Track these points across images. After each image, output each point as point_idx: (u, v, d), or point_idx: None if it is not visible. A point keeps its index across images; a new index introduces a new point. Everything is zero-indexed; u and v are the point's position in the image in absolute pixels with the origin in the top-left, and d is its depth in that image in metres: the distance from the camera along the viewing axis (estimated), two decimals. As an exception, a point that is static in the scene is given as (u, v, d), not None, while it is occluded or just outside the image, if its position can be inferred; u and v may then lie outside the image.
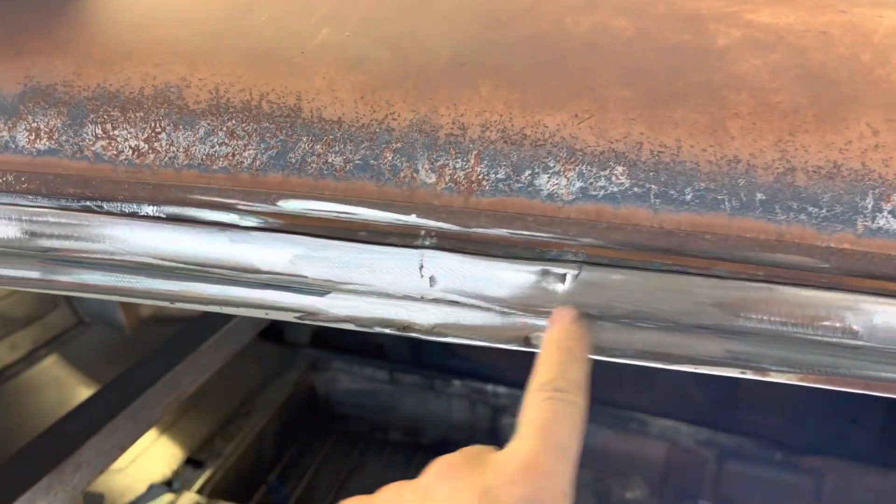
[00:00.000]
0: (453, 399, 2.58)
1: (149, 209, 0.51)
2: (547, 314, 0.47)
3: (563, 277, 0.46)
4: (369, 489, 2.07)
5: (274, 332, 2.65)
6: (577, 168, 0.47)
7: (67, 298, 2.39)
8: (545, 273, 0.46)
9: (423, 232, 0.48)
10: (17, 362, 2.14)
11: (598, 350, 0.48)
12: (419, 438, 2.59)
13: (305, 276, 0.49)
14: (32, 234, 0.52)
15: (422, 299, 0.48)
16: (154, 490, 1.93)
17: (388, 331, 0.50)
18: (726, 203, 0.45)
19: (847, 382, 0.46)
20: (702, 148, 0.46)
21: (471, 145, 0.48)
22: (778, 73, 0.49)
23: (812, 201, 0.44)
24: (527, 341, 0.48)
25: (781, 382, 0.46)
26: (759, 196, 0.45)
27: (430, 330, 0.49)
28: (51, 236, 0.51)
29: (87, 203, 0.51)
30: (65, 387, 2.08)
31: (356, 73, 0.51)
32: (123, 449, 1.15)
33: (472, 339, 0.49)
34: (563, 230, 0.46)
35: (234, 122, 0.50)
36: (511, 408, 2.54)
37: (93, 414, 1.08)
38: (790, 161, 0.45)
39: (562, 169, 0.47)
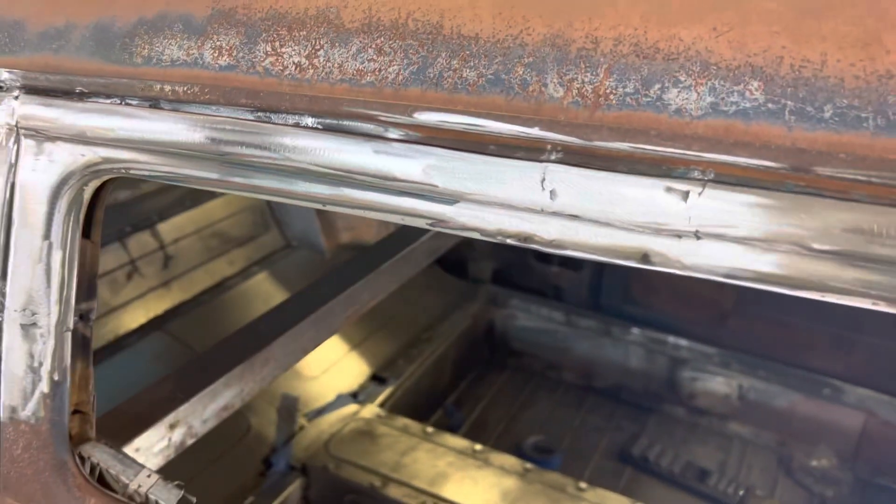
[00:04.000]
0: (630, 346, 2.55)
1: (308, 120, 0.56)
2: (667, 232, 0.47)
3: (686, 195, 0.46)
4: (540, 425, 2.18)
5: (457, 266, 2.76)
6: (709, 82, 0.45)
7: (278, 223, 2.65)
8: (668, 190, 0.46)
9: (548, 146, 0.49)
10: (233, 276, 2.43)
11: (716, 272, 0.47)
12: (592, 382, 2.60)
13: (436, 185, 0.52)
14: (213, 140, 0.59)
15: (542, 212, 0.50)
16: (341, 399, 2.12)
17: (509, 241, 0.52)
18: (870, 121, 0.42)
19: None
20: (850, 62, 0.43)
21: (602, 59, 0.48)
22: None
23: (975, 121, 0.40)
24: (645, 258, 0.48)
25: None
26: (912, 114, 0.41)
27: (550, 243, 0.51)
28: (228, 142, 0.59)
29: (258, 114, 0.58)
30: (272, 300, 2.33)
31: (496, -9, 0.52)
32: (306, 351, 1.28)
33: (589, 253, 0.50)
34: (689, 146, 0.45)
35: (382, 39, 0.54)
36: (692, 361, 2.46)
37: (282, 318, 1.22)
38: (954, 76, 0.41)
39: (693, 83, 0.45)
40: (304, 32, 0.57)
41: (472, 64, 0.51)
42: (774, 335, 2.37)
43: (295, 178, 0.58)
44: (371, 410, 2.09)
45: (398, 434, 1.99)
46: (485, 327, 2.70)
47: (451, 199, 0.53)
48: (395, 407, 2.19)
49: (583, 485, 1.83)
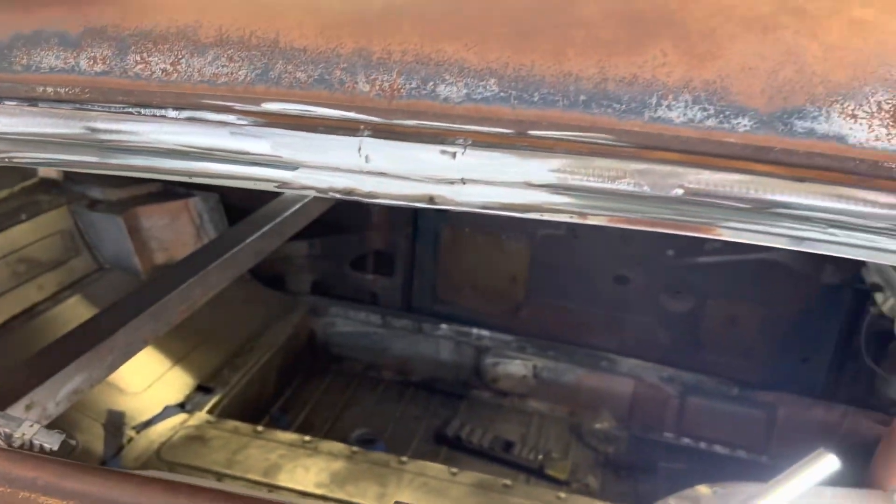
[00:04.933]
0: (440, 341, 2.82)
1: (175, 112, 0.73)
2: (444, 181, 0.70)
3: (454, 155, 0.68)
4: (363, 420, 2.43)
5: (277, 280, 2.89)
6: (464, 80, 0.69)
7: (89, 246, 2.63)
8: (443, 152, 0.69)
9: (361, 126, 0.70)
10: (43, 301, 2.39)
11: (476, 204, 0.70)
12: (409, 376, 2.84)
13: (281, 157, 0.71)
14: (93, 130, 0.74)
15: (360, 172, 0.71)
16: (168, 410, 2.18)
17: (338, 196, 0.72)
18: (560, 102, 0.67)
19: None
20: (547, 66, 0.68)
21: (394, 65, 0.70)
22: (609, 16, 0.71)
23: (616, 99, 0.66)
24: (431, 200, 0.71)
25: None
26: (582, 97, 0.67)
27: (367, 194, 0.71)
28: (105, 131, 0.74)
29: (132, 108, 0.73)
30: (88, 322, 2.33)
31: (317, 17, 0.73)
32: (146, 342, 1.38)
33: (395, 200, 0.71)
34: (454, 121, 0.68)
35: (232, 50, 0.73)
36: (493, 349, 2.77)
37: (123, 312, 1.31)
38: (605, 74, 0.67)
39: (454, 80, 0.69)
40: (168, 45, 0.74)
41: (302, 68, 0.71)
42: (560, 320, 2.75)
43: (164, 157, 0.74)
44: (200, 417, 2.17)
45: (229, 435, 2.09)
46: (306, 336, 2.84)
47: (292, 166, 0.72)
48: (223, 414, 2.28)
49: (404, 459, 2.04)
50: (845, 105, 0.64)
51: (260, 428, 2.14)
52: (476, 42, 0.70)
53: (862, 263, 2.29)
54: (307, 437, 2.10)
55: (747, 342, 2.61)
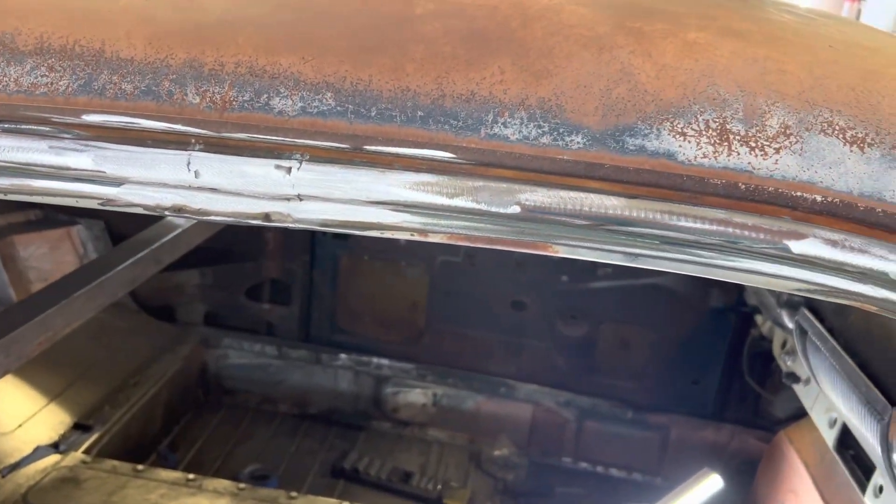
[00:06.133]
0: (339, 371, 2.76)
1: (-13, 124, 0.68)
2: (279, 197, 0.67)
3: (289, 170, 0.66)
4: (256, 456, 2.35)
5: (166, 311, 2.77)
6: (300, 93, 0.67)
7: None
8: (277, 167, 0.66)
9: (192, 139, 0.67)
10: None
11: (314, 222, 0.68)
12: (306, 409, 2.76)
13: (104, 172, 0.67)
14: None
15: (190, 188, 0.67)
16: (40, 451, 2.03)
17: (166, 214, 0.68)
18: (398, 118, 0.66)
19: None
20: (385, 81, 0.67)
21: (226, 76, 0.67)
22: (450, 33, 0.70)
23: (454, 116, 0.65)
24: (267, 217, 0.68)
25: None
26: (420, 113, 0.66)
27: (198, 211, 0.68)
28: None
29: (-61, 119, 0.68)
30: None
31: (147, 26, 0.69)
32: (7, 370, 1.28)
33: (228, 217, 0.68)
34: (288, 135, 0.66)
35: (53, 59, 0.68)
36: (393, 378, 2.73)
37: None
38: (443, 90, 0.66)
39: (289, 93, 0.66)
40: (-18, 53, 0.68)
41: (129, 79, 0.67)
42: (460, 347, 2.74)
43: (-24, 172, 0.68)
44: (75, 458, 2.03)
45: (106, 476, 1.96)
46: (198, 369, 2.73)
47: (117, 182, 0.67)
48: (103, 454, 2.15)
49: (294, 494, 1.97)
50: (675, 123, 0.65)
51: (140, 467, 2.02)
52: (313, 55, 0.68)
53: (743, 287, 2.39)
54: (191, 476, 2.00)
55: (640, 365, 2.67)
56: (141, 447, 2.39)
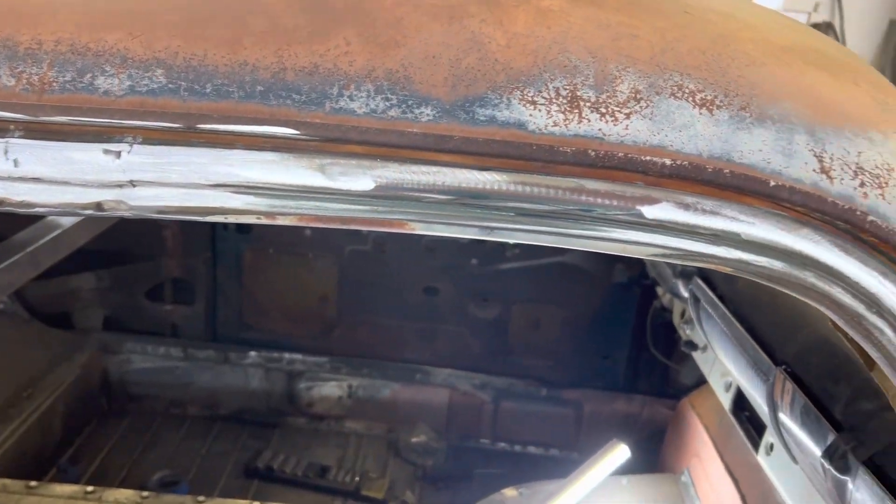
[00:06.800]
0: (249, 370, 2.68)
1: None
2: (111, 184, 0.62)
3: (119, 154, 0.61)
4: (166, 462, 2.23)
5: (61, 317, 2.63)
6: (127, 71, 0.62)
7: None
8: (106, 152, 0.61)
9: (10, 126, 0.61)
10: None
11: (152, 210, 0.63)
12: (217, 410, 2.67)
13: None
14: None
15: (9, 178, 0.62)
16: (-79, 476, 1.90)
17: (-14, 207, 0.63)
18: (235, 93, 0.62)
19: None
20: (221, 55, 0.63)
21: (45, 56, 0.62)
22: (293, 4, 0.67)
23: (296, 90, 0.62)
24: (99, 207, 0.63)
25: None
26: (259, 88, 0.62)
27: (20, 203, 0.62)
28: None
29: None
30: None
31: (-48, 3, 0.63)
32: None
33: (54, 209, 0.63)
34: (116, 117, 0.61)
35: None
36: (307, 373, 2.68)
37: None
38: (284, 63, 0.63)
39: (115, 72, 0.62)
40: None
41: (-68, 61, 0.61)
42: (374, 336, 2.71)
43: None
44: (-41, 479, 1.91)
45: (-6, 496, 1.85)
46: (98, 376, 2.61)
47: (-77, 175, 0.61)
48: (-7, 473, 2.02)
49: (201, 498, 1.90)
50: (525, 92, 0.64)
51: (34, 483, 1.91)
52: (142, 30, 0.63)
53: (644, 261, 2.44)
54: (90, 488, 1.90)
55: (552, 343, 2.70)
56: (39, 463, 2.26)
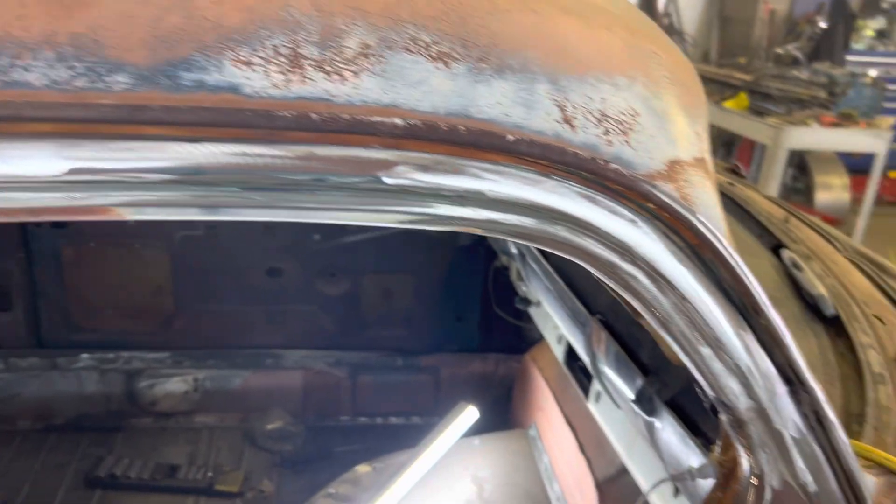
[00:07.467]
0: (82, 374, 2.49)
1: None
2: None
3: None
4: None
5: None
6: None
7: None
8: None
9: None
10: None
11: None
12: (50, 421, 2.47)
13: None
14: None
15: None
16: None
17: None
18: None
19: None
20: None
21: None
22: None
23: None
24: None
25: None
26: None
27: None
28: None
29: None
30: None
31: None
32: None
33: None
34: None
35: None
36: (147, 370, 2.52)
37: None
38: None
39: None
40: None
41: None
42: (218, 325, 2.58)
43: None
44: None
45: None
46: None
47: None
48: None
49: (25, 521, 1.75)
50: (239, 51, 0.57)
51: None
52: None
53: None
54: None
55: (405, 312, 2.67)
56: None
